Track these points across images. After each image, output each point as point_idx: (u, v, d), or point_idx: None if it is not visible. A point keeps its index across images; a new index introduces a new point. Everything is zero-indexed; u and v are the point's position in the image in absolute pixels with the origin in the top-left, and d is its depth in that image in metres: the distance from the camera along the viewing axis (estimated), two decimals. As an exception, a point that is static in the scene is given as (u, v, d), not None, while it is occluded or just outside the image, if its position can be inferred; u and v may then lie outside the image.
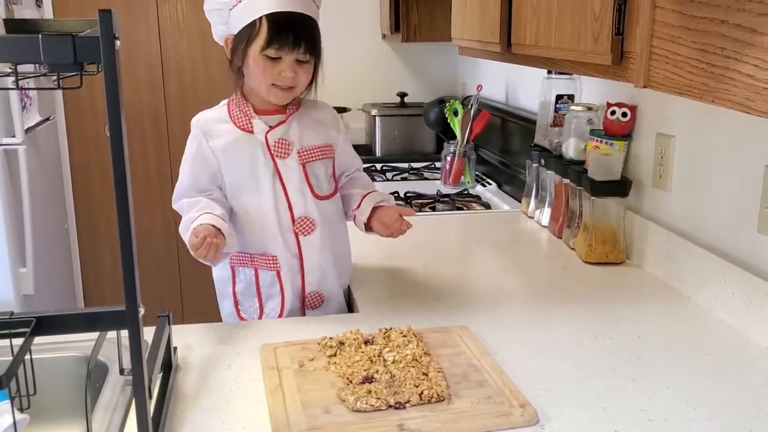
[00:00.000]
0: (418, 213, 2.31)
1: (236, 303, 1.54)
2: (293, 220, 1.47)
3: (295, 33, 1.37)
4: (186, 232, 1.38)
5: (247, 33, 1.38)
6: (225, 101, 1.51)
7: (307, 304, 1.52)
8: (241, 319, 1.54)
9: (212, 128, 1.46)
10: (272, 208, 1.45)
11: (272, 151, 1.45)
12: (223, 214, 1.40)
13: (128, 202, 0.84)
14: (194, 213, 1.39)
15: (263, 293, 1.51)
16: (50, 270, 2.96)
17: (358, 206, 1.53)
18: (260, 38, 1.37)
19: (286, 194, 1.46)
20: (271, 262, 1.48)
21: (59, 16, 3.18)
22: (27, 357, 0.88)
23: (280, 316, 1.50)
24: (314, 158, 1.48)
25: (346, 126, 1.62)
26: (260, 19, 1.36)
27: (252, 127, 1.46)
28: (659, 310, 1.47)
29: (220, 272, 1.56)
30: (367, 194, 1.54)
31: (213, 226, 1.34)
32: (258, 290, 1.51)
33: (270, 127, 1.46)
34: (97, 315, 0.91)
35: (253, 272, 1.50)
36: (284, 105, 1.48)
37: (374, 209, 1.52)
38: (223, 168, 1.46)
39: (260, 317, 1.52)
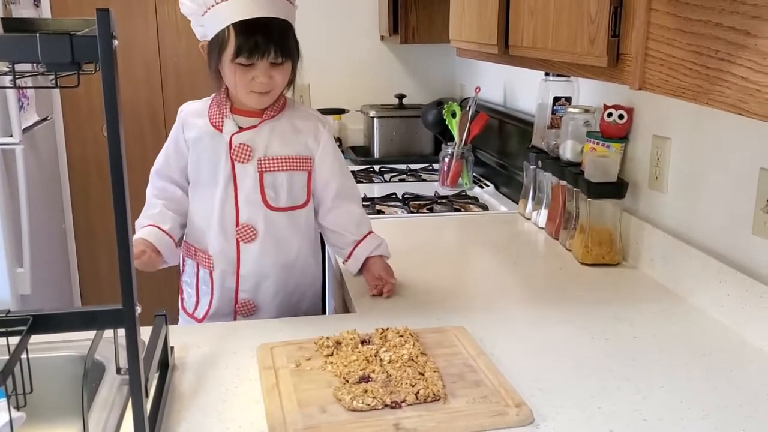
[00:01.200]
0: (416, 214, 2.31)
1: (181, 291, 1.60)
2: (237, 225, 1.48)
3: (264, 39, 1.36)
4: (137, 230, 1.46)
5: (218, 41, 1.39)
6: (214, 94, 1.53)
7: (238, 310, 1.54)
8: (183, 308, 1.59)
9: (190, 120, 1.50)
10: (219, 209, 1.47)
11: (232, 155, 1.46)
12: (171, 229, 1.47)
13: (125, 200, 0.85)
14: (144, 220, 1.47)
15: (200, 289, 1.55)
16: (47, 270, 2.96)
17: (349, 256, 1.57)
18: (230, 47, 1.37)
19: (236, 198, 1.47)
20: (207, 260, 1.51)
21: (57, 16, 3.18)
22: (23, 355, 0.88)
23: (205, 315, 1.54)
24: (275, 168, 1.47)
25: (339, 138, 1.60)
26: (228, 27, 1.36)
27: (222, 125, 1.47)
28: (655, 311, 1.47)
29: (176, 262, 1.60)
30: (357, 245, 1.55)
31: (152, 243, 1.42)
32: (197, 284, 1.55)
33: (239, 128, 1.47)
34: (94, 313, 0.92)
35: (195, 265, 1.54)
36: (263, 109, 1.48)
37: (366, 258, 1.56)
38: (189, 160, 1.49)
39: (194, 310, 1.56)
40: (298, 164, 1.49)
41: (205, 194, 1.49)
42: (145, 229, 1.47)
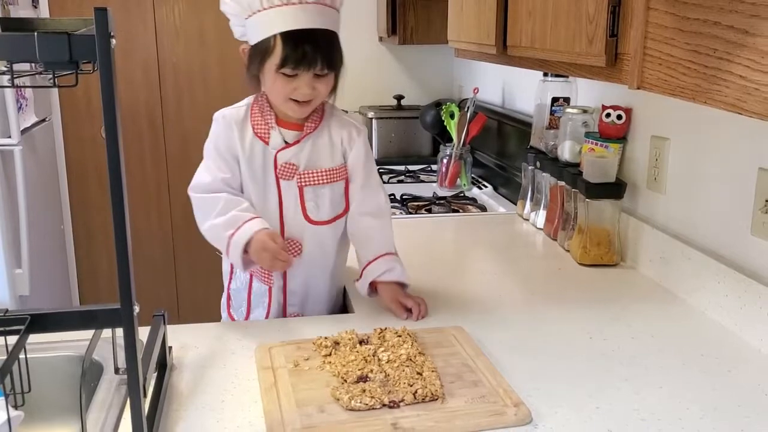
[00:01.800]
0: (414, 215, 2.31)
1: (229, 297, 1.56)
2: (284, 239, 1.43)
3: (311, 51, 1.31)
4: (224, 233, 1.35)
5: (263, 48, 1.33)
6: (248, 100, 1.46)
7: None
8: (230, 315, 1.56)
9: (239, 126, 1.42)
10: (272, 224, 1.41)
11: (278, 173, 1.42)
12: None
13: (124, 200, 0.85)
14: (238, 212, 1.36)
15: (253, 300, 1.51)
16: (46, 271, 2.96)
17: (360, 276, 1.48)
18: (275, 56, 1.32)
19: (281, 214, 1.43)
20: (266, 276, 1.46)
21: (55, 15, 3.18)
22: (21, 355, 0.88)
23: None
24: (316, 182, 1.43)
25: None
26: (275, 36, 1.31)
27: (269, 138, 1.41)
28: (653, 311, 1.47)
29: (225, 265, 1.56)
30: (367, 265, 1.46)
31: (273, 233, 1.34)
32: (249, 295, 1.51)
33: (285, 143, 1.41)
34: (92, 313, 0.91)
35: (248, 277, 1.50)
36: (304, 119, 1.42)
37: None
38: (241, 169, 1.42)
39: (245, 320, 1.53)
40: (337, 175, 1.45)
41: (256, 209, 1.42)
42: (255, 222, 1.35)
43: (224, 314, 1.58)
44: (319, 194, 1.44)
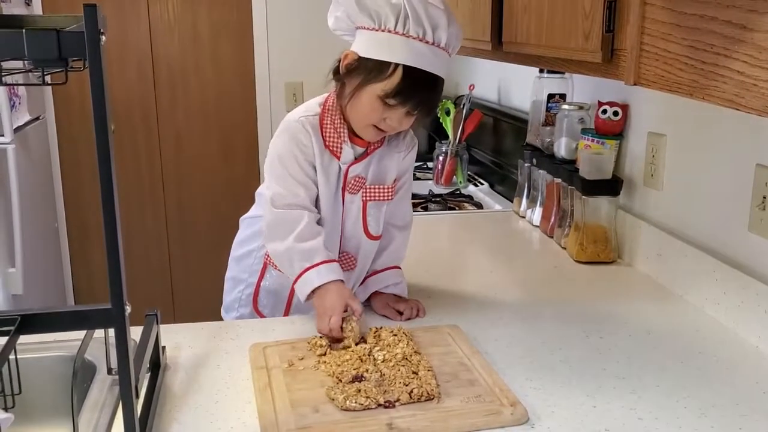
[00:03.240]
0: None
1: (257, 293, 1.50)
2: (339, 253, 1.41)
3: (423, 94, 1.27)
4: (298, 263, 1.29)
5: (376, 70, 1.25)
6: (318, 104, 1.37)
7: None
8: (257, 311, 1.51)
9: (315, 133, 1.34)
10: (331, 238, 1.38)
11: (346, 186, 1.37)
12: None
13: (114, 199, 0.83)
14: (316, 244, 1.30)
15: (293, 307, 1.48)
16: (40, 270, 2.95)
17: (363, 282, 1.46)
18: (387, 84, 1.24)
19: (342, 227, 1.40)
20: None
21: (48, 14, 3.16)
22: (11, 356, 0.87)
23: None
24: (380, 197, 1.39)
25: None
26: (396, 66, 1.24)
27: (340, 152, 1.34)
28: (650, 308, 1.47)
29: (242, 259, 1.52)
30: (373, 274, 1.45)
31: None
32: (290, 299, 1.48)
33: (355, 159, 1.36)
34: (83, 313, 0.90)
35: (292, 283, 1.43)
36: None
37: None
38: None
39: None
40: (395, 191, 1.42)
41: (323, 218, 1.38)
42: (332, 266, 1.30)
43: (244, 310, 1.53)
44: (380, 210, 1.41)
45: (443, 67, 1.28)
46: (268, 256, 1.46)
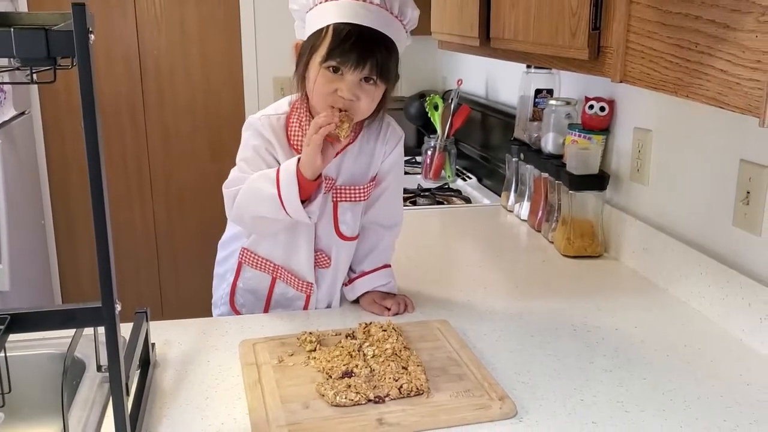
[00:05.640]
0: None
1: (233, 293, 1.49)
2: (315, 251, 1.40)
3: (361, 49, 1.20)
4: (267, 188, 1.25)
5: (313, 40, 1.24)
6: (287, 104, 1.36)
7: None
8: (234, 310, 1.50)
9: (278, 137, 1.33)
10: (305, 236, 1.38)
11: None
12: None
13: (104, 196, 0.84)
14: (266, 171, 1.27)
15: (273, 302, 1.47)
16: (26, 266, 2.93)
17: (349, 282, 1.46)
18: (323, 48, 1.21)
19: (315, 226, 1.37)
20: (305, 286, 1.42)
21: (33, 9, 3.14)
22: (1, 355, 0.87)
23: None
24: (352, 199, 1.37)
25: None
26: (327, 27, 1.22)
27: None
28: (636, 302, 1.48)
29: (222, 263, 1.52)
30: (362, 276, 1.44)
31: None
32: (269, 298, 1.47)
33: None
34: (73, 312, 0.90)
35: (270, 280, 1.44)
36: None
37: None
38: None
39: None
40: (372, 189, 1.40)
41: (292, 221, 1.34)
42: (287, 164, 1.25)
43: (224, 308, 1.52)
44: (354, 211, 1.39)
45: (384, 25, 1.22)
46: (242, 255, 1.45)
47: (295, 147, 1.32)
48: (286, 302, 1.46)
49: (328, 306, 1.47)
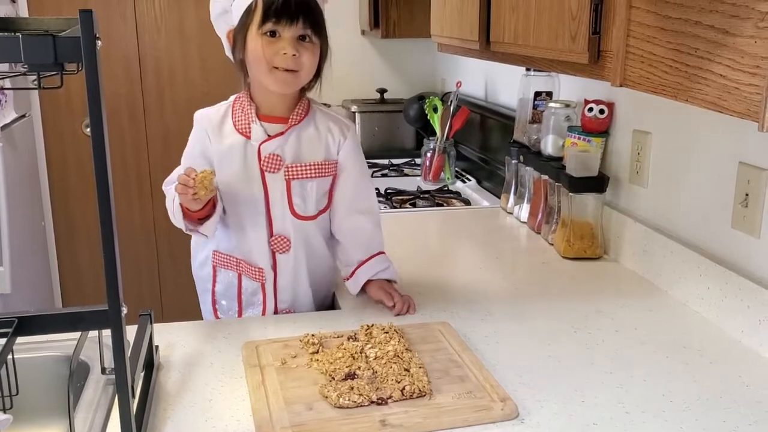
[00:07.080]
0: (398, 209, 2.32)
1: (214, 302, 1.54)
2: (271, 236, 1.44)
3: (291, 7, 1.30)
4: (172, 195, 1.39)
5: (244, 18, 1.33)
6: (232, 98, 1.46)
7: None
8: (216, 317, 1.54)
9: (214, 126, 1.43)
10: (256, 221, 1.43)
11: (262, 165, 1.40)
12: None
13: (110, 200, 0.85)
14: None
15: (244, 300, 1.50)
16: (27, 269, 2.93)
17: (351, 275, 1.49)
18: (257, 17, 1.31)
19: (268, 209, 1.42)
20: (258, 273, 1.46)
21: (34, 12, 3.15)
22: (9, 357, 0.87)
23: None
24: (303, 176, 1.41)
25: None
26: (254, 0, 1.32)
27: (250, 132, 1.40)
28: (636, 304, 1.49)
29: (199, 270, 1.56)
30: (360, 266, 1.48)
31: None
32: (239, 295, 1.50)
33: (268, 136, 1.40)
34: (80, 315, 0.91)
35: (237, 276, 1.49)
36: (288, 112, 1.41)
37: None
38: (217, 168, 1.40)
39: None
40: (326, 170, 1.43)
41: (240, 206, 1.43)
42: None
43: (209, 316, 1.56)
44: (306, 189, 1.43)
45: None
46: (214, 258, 1.51)
47: (240, 130, 1.42)
48: (249, 298, 1.50)
49: (294, 298, 1.49)
